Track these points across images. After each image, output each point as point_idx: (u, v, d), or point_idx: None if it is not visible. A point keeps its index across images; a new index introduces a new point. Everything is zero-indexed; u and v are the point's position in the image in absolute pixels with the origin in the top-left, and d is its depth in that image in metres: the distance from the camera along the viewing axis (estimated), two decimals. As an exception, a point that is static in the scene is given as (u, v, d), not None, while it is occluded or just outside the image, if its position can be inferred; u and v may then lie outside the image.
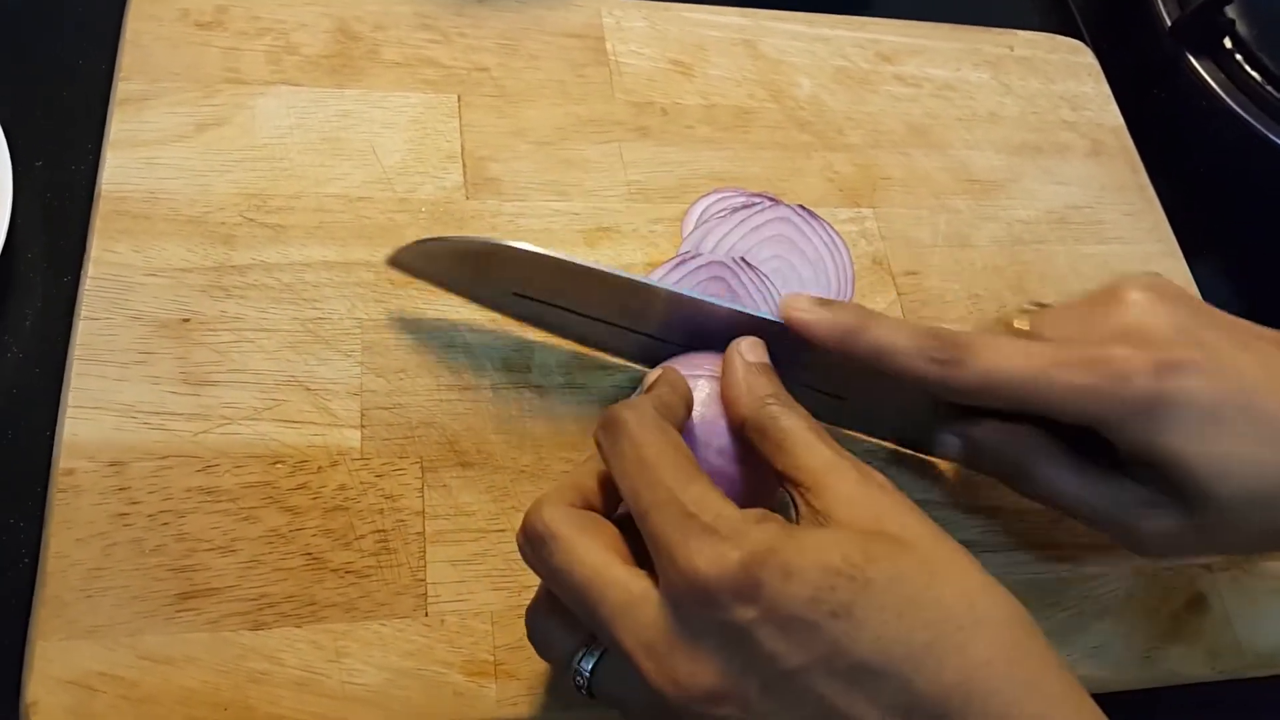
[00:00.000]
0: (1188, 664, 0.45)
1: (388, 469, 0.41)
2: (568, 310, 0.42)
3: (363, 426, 0.42)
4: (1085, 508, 0.38)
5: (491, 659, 0.39)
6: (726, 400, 0.36)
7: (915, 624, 0.28)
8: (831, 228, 0.49)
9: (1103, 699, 0.44)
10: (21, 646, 0.36)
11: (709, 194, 0.51)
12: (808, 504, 0.32)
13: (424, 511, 0.41)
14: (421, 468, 0.42)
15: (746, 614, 0.28)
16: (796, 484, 0.32)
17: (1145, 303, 0.37)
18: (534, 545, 0.32)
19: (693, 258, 0.48)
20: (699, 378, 0.37)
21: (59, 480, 0.39)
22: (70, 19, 0.52)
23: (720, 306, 0.39)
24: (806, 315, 0.38)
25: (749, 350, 0.37)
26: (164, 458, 0.40)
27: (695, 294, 0.40)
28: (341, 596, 0.39)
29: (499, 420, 0.43)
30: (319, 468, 0.41)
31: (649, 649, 0.29)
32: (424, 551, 0.40)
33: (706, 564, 0.29)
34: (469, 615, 0.39)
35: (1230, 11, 0.66)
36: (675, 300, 0.40)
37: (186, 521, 0.39)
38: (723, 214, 0.49)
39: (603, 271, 0.40)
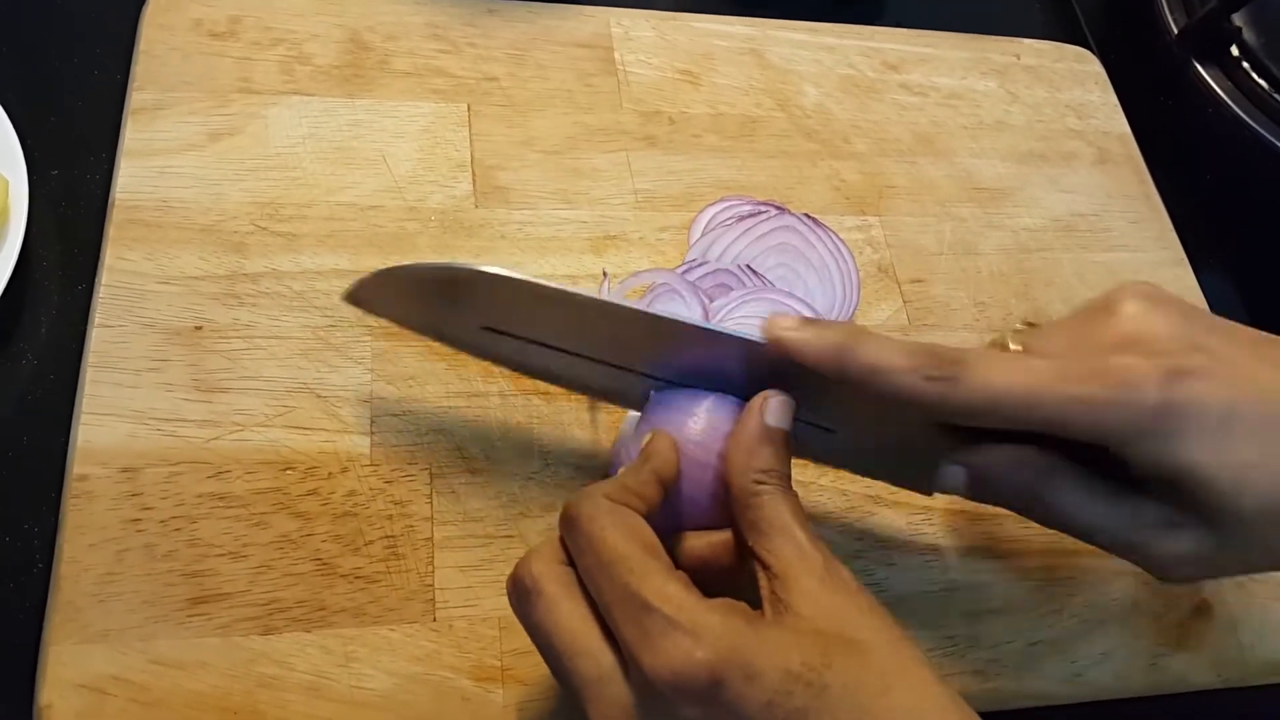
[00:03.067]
0: (1193, 672, 0.45)
1: (397, 475, 0.42)
2: (543, 345, 0.38)
3: (372, 433, 0.42)
4: (1101, 533, 0.36)
5: (499, 664, 0.39)
6: (725, 455, 0.35)
7: None
8: (837, 236, 0.49)
9: (1110, 706, 0.44)
10: (36, 650, 0.37)
11: (716, 202, 0.51)
12: (772, 590, 0.32)
13: (432, 517, 0.41)
14: (430, 474, 0.42)
15: (706, 713, 0.29)
16: (765, 566, 0.32)
17: (1142, 311, 0.36)
18: (519, 597, 0.33)
19: (699, 265, 0.48)
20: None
21: (73, 486, 0.39)
22: (84, 29, 0.53)
23: (703, 329, 0.36)
24: (793, 335, 0.35)
25: (773, 413, 0.35)
26: (176, 464, 0.40)
27: (671, 314, 0.37)
28: (351, 602, 0.39)
29: (507, 427, 0.44)
30: (329, 474, 0.41)
31: None
32: (432, 557, 0.40)
33: (670, 662, 0.29)
34: (477, 621, 0.40)
35: (1237, 19, 0.66)
36: (651, 322, 0.36)
37: (198, 527, 0.39)
38: (729, 222, 0.50)
39: (566, 292, 0.36)
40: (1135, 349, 0.35)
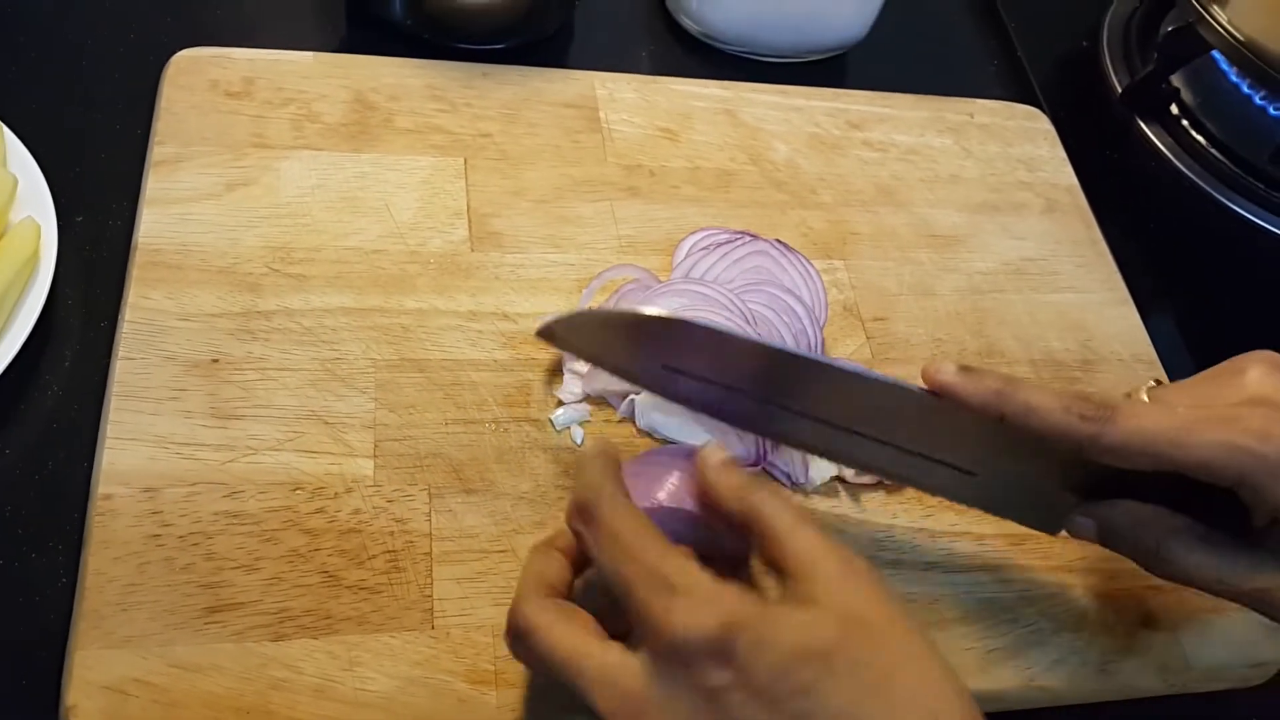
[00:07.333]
0: (1141, 678, 0.48)
1: (398, 495, 0.45)
2: (718, 385, 0.40)
3: (375, 456, 0.46)
4: (1222, 584, 0.39)
5: (492, 668, 0.42)
6: (708, 501, 0.38)
7: (874, 711, 0.31)
8: (806, 259, 0.54)
9: (1062, 711, 0.47)
10: (61, 657, 0.40)
11: (696, 231, 0.56)
12: (792, 591, 0.33)
13: (431, 534, 0.44)
14: (429, 494, 0.45)
15: (718, 678, 0.31)
16: (782, 571, 0.34)
17: (1266, 374, 0.39)
18: (518, 638, 0.35)
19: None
20: (673, 470, 0.40)
21: (98, 505, 0.42)
22: (109, 89, 0.57)
23: (869, 379, 0.39)
24: (954, 380, 0.38)
25: (712, 454, 0.38)
26: (194, 484, 0.43)
27: (835, 362, 0.39)
28: (355, 611, 0.42)
29: (500, 451, 0.47)
30: (335, 494, 0.44)
31: (624, 711, 0.32)
32: (431, 570, 0.44)
33: (685, 623, 0.31)
34: (472, 628, 0.43)
35: (1175, 80, 0.71)
36: (831, 372, 0.39)
37: (214, 542, 0.42)
38: (708, 248, 0.54)
39: (748, 341, 0.39)
40: (1264, 406, 0.38)
